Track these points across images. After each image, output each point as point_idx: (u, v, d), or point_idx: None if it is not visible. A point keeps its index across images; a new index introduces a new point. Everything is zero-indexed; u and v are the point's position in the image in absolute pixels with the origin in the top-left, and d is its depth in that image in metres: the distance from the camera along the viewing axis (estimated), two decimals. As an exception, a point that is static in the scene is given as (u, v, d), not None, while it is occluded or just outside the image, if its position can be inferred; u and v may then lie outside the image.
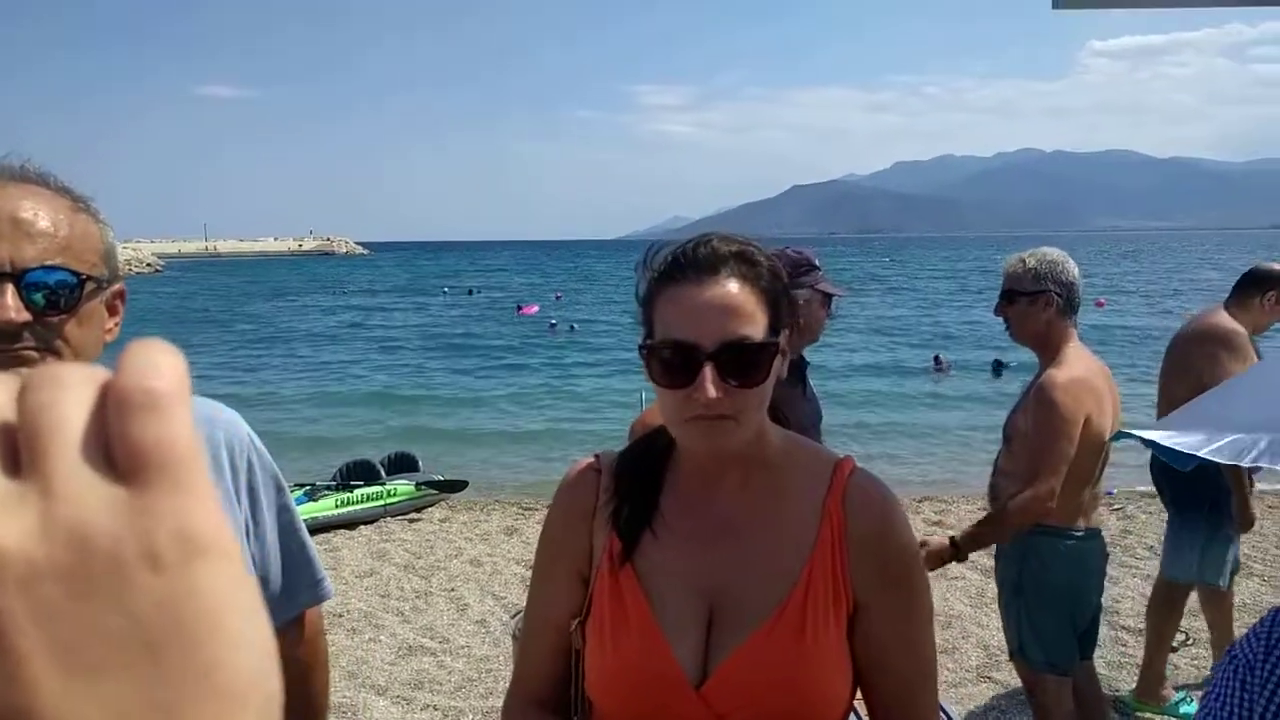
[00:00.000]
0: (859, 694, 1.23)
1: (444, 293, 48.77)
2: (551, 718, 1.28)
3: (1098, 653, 4.86)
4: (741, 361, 1.10)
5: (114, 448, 0.23)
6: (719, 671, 1.13)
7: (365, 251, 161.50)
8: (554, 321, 28.32)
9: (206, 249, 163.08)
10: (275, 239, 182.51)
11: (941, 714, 3.64)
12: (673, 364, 1.11)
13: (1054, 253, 3.05)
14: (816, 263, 2.96)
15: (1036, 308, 2.97)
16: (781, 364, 1.19)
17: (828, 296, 2.96)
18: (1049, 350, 3.00)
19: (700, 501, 1.22)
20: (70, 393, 0.24)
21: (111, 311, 1.25)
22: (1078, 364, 2.95)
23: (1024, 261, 3.02)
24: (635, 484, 1.23)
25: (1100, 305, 30.84)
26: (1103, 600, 5.43)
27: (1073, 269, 3.01)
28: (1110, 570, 6.08)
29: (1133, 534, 6.98)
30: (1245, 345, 3.81)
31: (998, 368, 17.93)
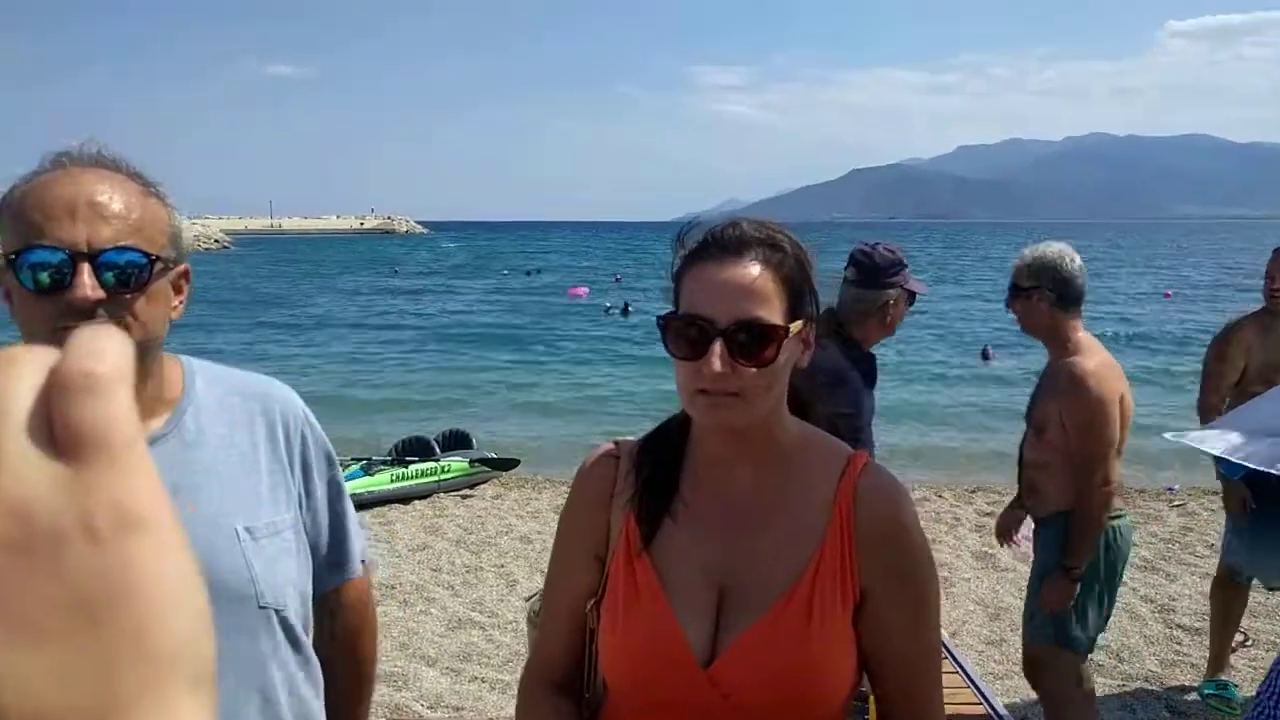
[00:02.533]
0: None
1: (505, 273, 49.27)
2: (564, 700, 1.32)
3: (1150, 650, 4.80)
4: (751, 341, 1.14)
5: (55, 428, 0.24)
6: (726, 653, 1.17)
7: (424, 230, 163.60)
8: (609, 305, 28.38)
9: (272, 226, 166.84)
10: (338, 217, 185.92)
11: (982, 698, 3.62)
12: (687, 337, 1.16)
13: (1054, 248, 3.09)
14: (903, 260, 3.02)
15: (1033, 303, 3.06)
16: (803, 353, 1.22)
17: (912, 295, 3.03)
18: (1057, 342, 3.08)
19: (715, 488, 1.25)
20: (20, 372, 0.25)
21: (177, 290, 1.32)
22: (1095, 351, 3.04)
23: (1024, 257, 3.10)
24: (654, 469, 1.27)
25: (1167, 296, 29.94)
26: (1156, 598, 5.36)
27: (1071, 264, 3.04)
28: (1168, 568, 5.99)
29: (1194, 531, 6.81)
30: None
31: (985, 355, 17.73)
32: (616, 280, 41.89)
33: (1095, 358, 3.01)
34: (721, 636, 1.18)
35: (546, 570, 1.39)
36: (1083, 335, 3.07)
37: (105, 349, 0.25)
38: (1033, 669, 3.28)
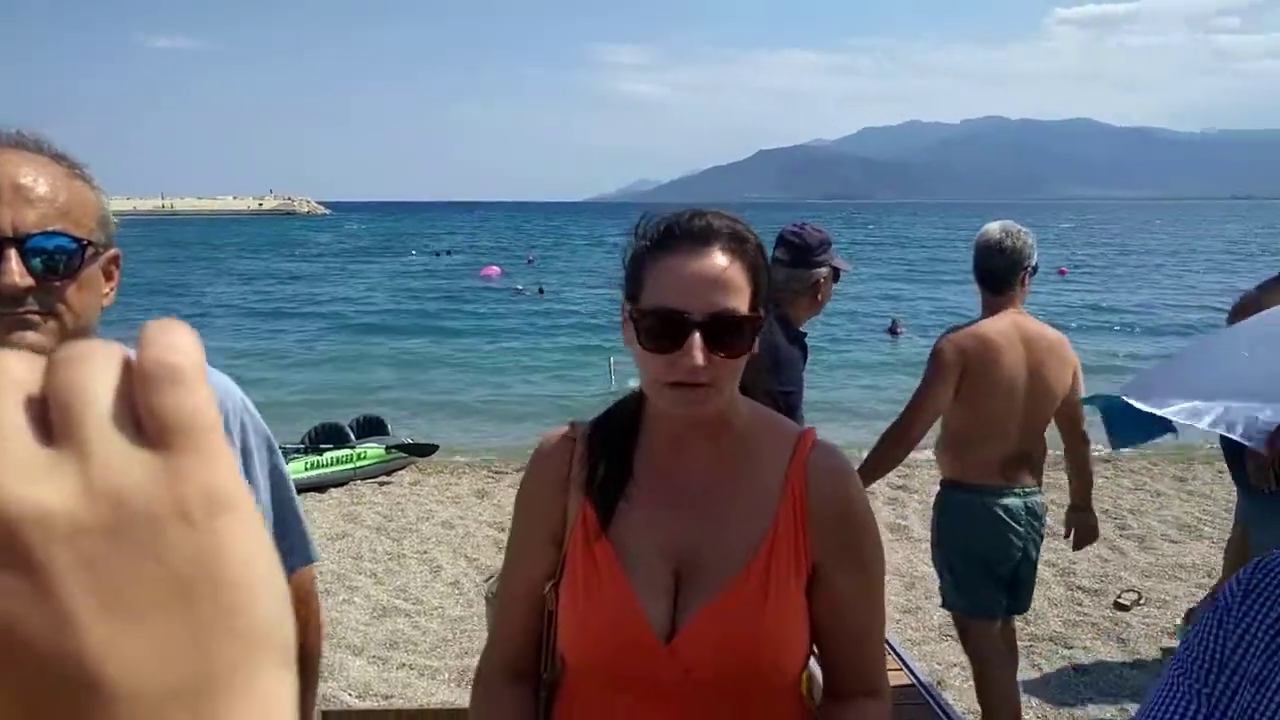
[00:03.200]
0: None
1: (413, 254, 48.27)
2: (521, 690, 1.33)
3: (1054, 611, 5.06)
4: (728, 333, 1.16)
5: (143, 418, 0.26)
6: (685, 629, 1.20)
7: (327, 211, 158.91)
8: (520, 286, 28.13)
9: (163, 207, 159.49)
10: (235, 198, 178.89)
11: (901, 663, 3.77)
12: (661, 330, 1.16)
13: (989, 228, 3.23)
14: (830, 239, 3.11)
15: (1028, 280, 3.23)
16: (755, 339, 1.25)
17: (837, 271, 3.10)
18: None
19: (671, 468, 1.27)
20: (97, 368, 0.26)
21: (108, 277, 1.26)
22: (982, 324, 3.16)
23: (1024, 234, 3.21)
24: (609, 452, 1.28)
25: (1062, 274, 31.33)
26: (1057, 561, 5.64)
27: (982, 242, 3.19)
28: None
29: (1090, 497, 7.18)
30: None
31: (894, 328, 18.33)
32: (529, 261, 41.52)
33: (972, 330, 3.15)
34: (680, 613, 1.20)
35: (505, 553, 1.39)
36: (987, 311, 3.21)
37: (181, 341, 0.26)
38: (961, 637, 3.46)
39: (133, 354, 0.27)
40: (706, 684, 1.20)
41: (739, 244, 1.19)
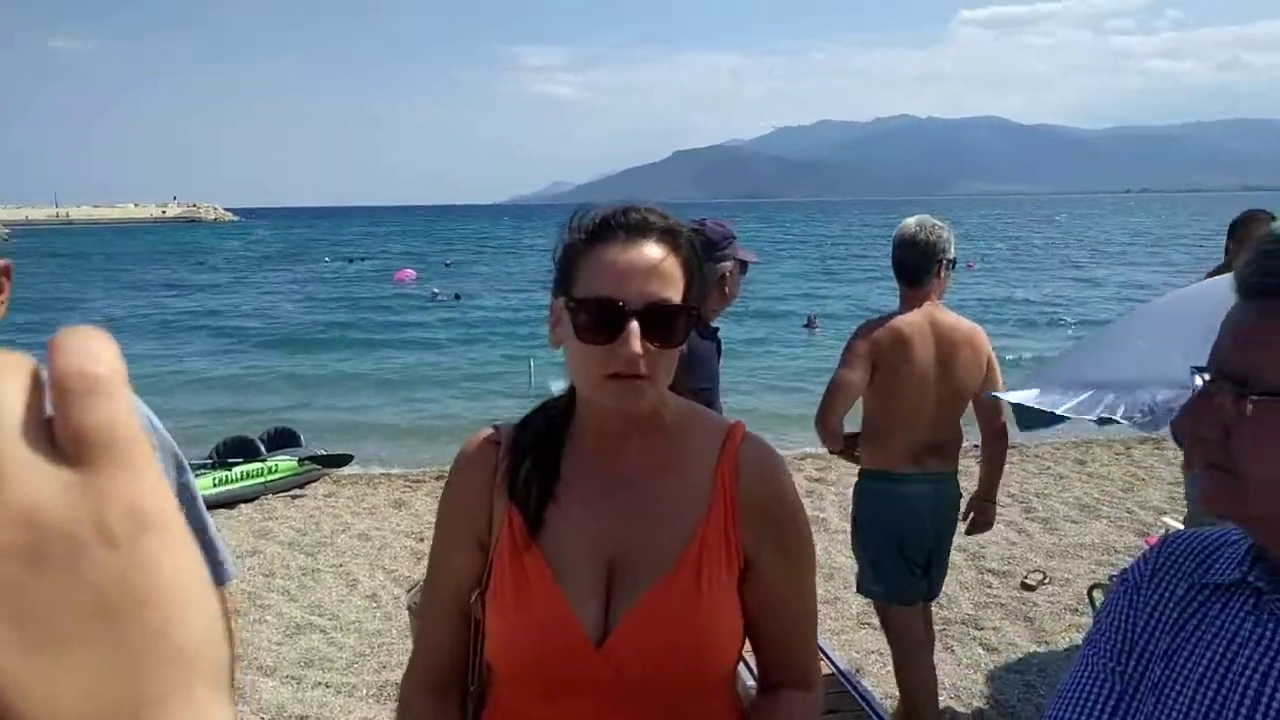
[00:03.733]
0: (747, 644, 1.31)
1: (326, 260, 47.12)
2: (445, 706, 1.30)
3: (966, 594, 5.22)
4: (664, 323, 1.15)
5: (59, 432, 0.24)
6: (618, 629, 1.18)
7: (235, 218, 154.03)
8: (436, 290, 27.69)
9: (58, 216, 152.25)
10: (136, 205, 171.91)
11: (822, 653, 3.83)
12: (598, 320, 1.15)
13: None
14: (733, 233, 3.13)
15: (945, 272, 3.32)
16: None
17: (744, 264, 3.13)
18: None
19: (600, 465, 1.26)
20: (3, 380, 0.24)
21: None
22: (895, 318, 3.26)
23: (941, 229, 3.28)
24: (535, 454, 1.26)
25: (971, 267, 32.36)
26: (968, 546, 5.81)
27: (899, 236, 3.28)
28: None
29: (998, 483, 7.42)
30: None
31: (811, 323, 18.78)
32: (446, 265, 40.91)
33: (886, 321, 3.25)
34: (613, 613, 1.19)
35: (429, 561, 1.35)
36: (903, 306, 3.30)
37: (99, 350, 0.25)
38: (882, 622, 3.54)
39: (41, 365, 0.25)
40: (638, 683, 1.18)
41: (673, 237, 1.20)
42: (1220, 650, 0.89)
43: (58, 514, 0.23)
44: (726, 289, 3.06)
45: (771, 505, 1.26)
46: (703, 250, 3.23)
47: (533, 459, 1.26)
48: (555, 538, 1.22)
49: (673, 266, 1.18)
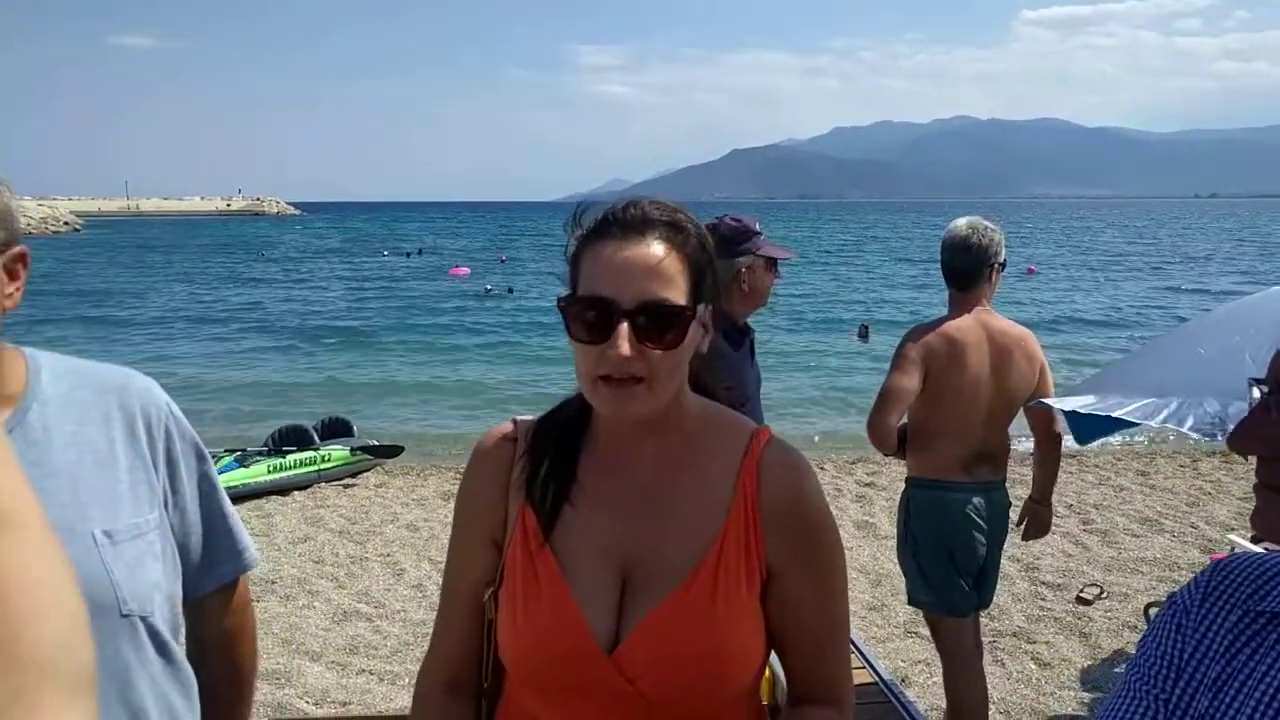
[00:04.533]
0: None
1: (385, 255, 47.90)
2: (459, 706, 1.27)
3: (1018, 606, 5.09)
4: (658, 323, 1.10)
5: None
6: (630, 637, 1.14)
7: (296, 212, 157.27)
8: (489, 286, 27.96)
9: (129, 207, 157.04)
10: (201, 198, 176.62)
11: (865, 661, 3.76)
12: (590, 319, 1.11)
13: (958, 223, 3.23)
14: (757, 228, 3.00)
15: (995, 275, 3.21)
16: (702, 337, 1.19)
17: (773, 261, 3.00)
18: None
19: (617, 468, 1.22)
20: None
21: (11, 276, 1.20)
22: (947, 323, 3.17)
23: (991, 231, 3.19)
24: (552, 454, 1.23)
25: (1031, 272, 31.68)
26: (1022, 557, 5.67)
27: (949, 238, 3.20)
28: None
29: (1054, 494, 7.23)
30: None
31: (864, 332, 18.41)
32: (501, 261, 41.27)
33: (939, 326, 3.16)
34: (625, 621, 1.15)
35: (446, 557, 1.34)
36: (955, 309, 3.21)
37: None
38: (933, 634, 3.43)
39: None
40: (652, 695, 1.14)
41: (675, 233, 1.14)
42: (1276, 683, 0.83)
43: None
44: (745, 285, 2.97)
45: (796, 513, 1.20)
46: (718, 247, 3.18)
47: (550, 459, 1.22)
48: (569, 541, 1.19)
49: (672, 264, 1.12)
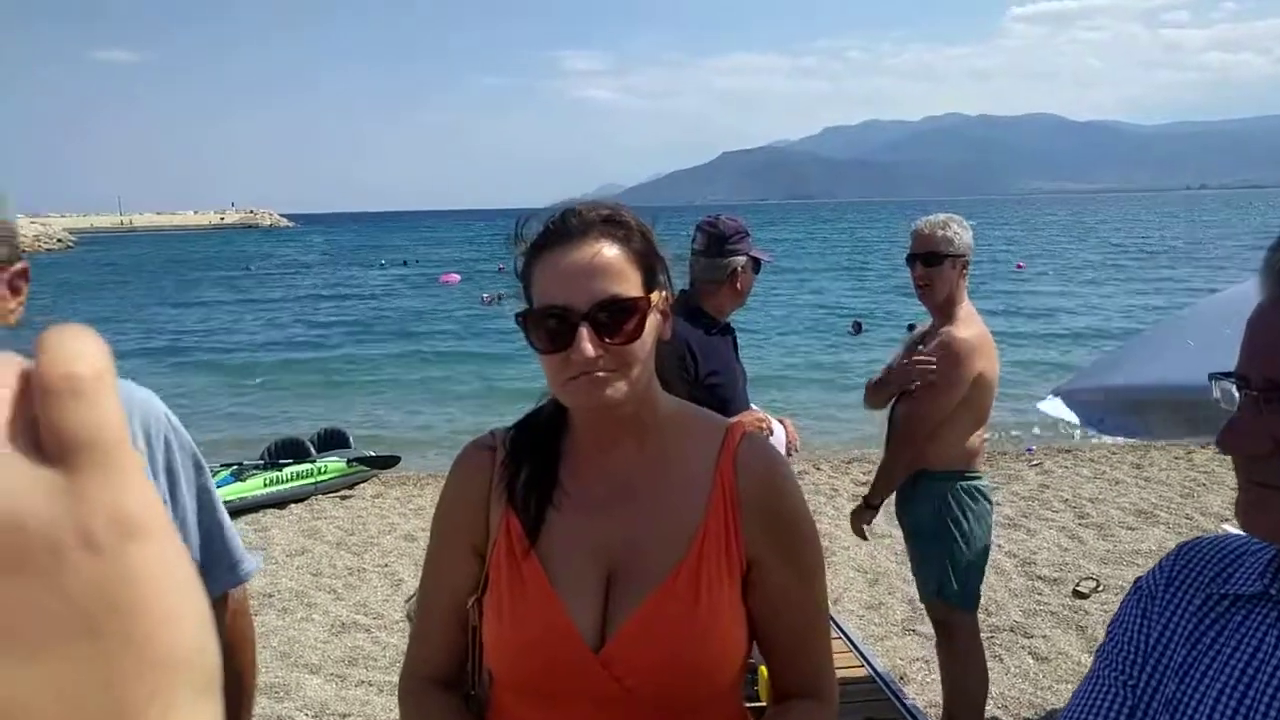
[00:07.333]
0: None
1: (381, 265, 47.92)
2: (451, 695, 1.29)
3: (1015, 601, 5.10)
4: (615, 320, 1.13)
5: (42, 434, 0.23)
6: (616, 636, 1.16)
7: (291, 224, 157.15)
8: (486, 296, 27.92)
9: (122, 223, 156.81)
10: (195, 212, 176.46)
11: (861, 658, 3.75)
12: (551, 327, 1.14)
13: (957, 218, 3.25)
14: (746, 229, 3.12)
15: (944, 270, 3.17)
16: (663, 325, 1.22)
17: (757, 262, 3.12)
18: (947, 311, 3.20)
19: (595, 469, 1.24)
20: None
21: (14, 292, 1.21)
22: (974, 322, 3.20)
23: (935, 225, 3.20)
24: (532, 458, 1.25)
25: (1020, 268, 31.71)
26: (1018, 552, 5.69)
27: (970, 235, 3.22)
28: (1029, 524, 6.37)
29: (1050, 489, 7.26)
30: None
31: (857, 328, 18.43)
32: (499, 270, 41.20)
33: (973, 329, 3.17)
34: (611, 620, 1.17)
35: (423, 567, 1.35)
36: (967, 305, 3.24)
37: (85, 350, 0.24)
38: (946, 634, 3.37)
39: (30, 364, 0.24)
40: (641, 692, 1.16)
41: (617, 229, 1.17)
42: (1241, 665, 0.84)
43: (38, 519, 0.23)
44: (739, 284, 3.06)
45: (773, 506, 1.23)
46: (714, 245, 3.25)
47: (531, 466, 1.24)
48: (553, 545, 1.21)
49: (621, 260, 1.15)
